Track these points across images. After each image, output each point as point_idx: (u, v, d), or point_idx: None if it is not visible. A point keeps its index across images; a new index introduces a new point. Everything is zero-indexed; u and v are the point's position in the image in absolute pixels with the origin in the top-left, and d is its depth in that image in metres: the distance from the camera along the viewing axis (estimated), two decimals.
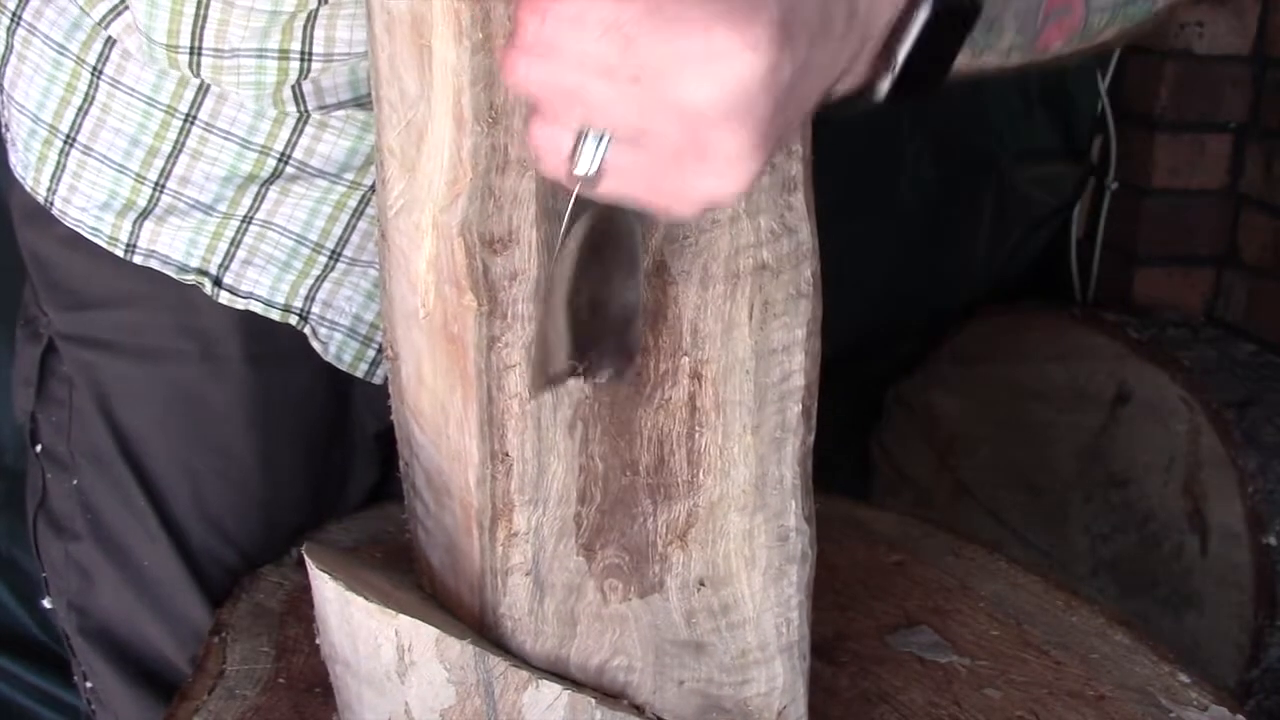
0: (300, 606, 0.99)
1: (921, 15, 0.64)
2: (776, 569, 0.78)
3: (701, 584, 0.77)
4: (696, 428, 0.74)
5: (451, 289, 0.71)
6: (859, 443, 2.32)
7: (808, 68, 0.56)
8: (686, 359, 0.73)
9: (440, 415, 0.76)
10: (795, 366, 0.75)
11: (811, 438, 0.77)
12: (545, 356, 0.69)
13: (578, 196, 0.62)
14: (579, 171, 0.57)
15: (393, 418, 0.84)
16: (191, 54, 0.95)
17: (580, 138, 0.56)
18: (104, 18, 0.99)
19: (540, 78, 0.54)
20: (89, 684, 1.13)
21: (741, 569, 0.77)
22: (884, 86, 0.65)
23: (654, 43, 0.52)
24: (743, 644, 0.78)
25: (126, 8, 0.97)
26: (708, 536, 0.76)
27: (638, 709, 0.78)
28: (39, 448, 1.12)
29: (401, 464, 0.84)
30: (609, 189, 0.58)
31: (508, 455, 0.73)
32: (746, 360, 0.73)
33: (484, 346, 0.71)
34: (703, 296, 0.73)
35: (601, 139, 0.56)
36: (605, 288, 0.68)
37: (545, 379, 0.70)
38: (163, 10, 0.93)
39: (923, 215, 2.11)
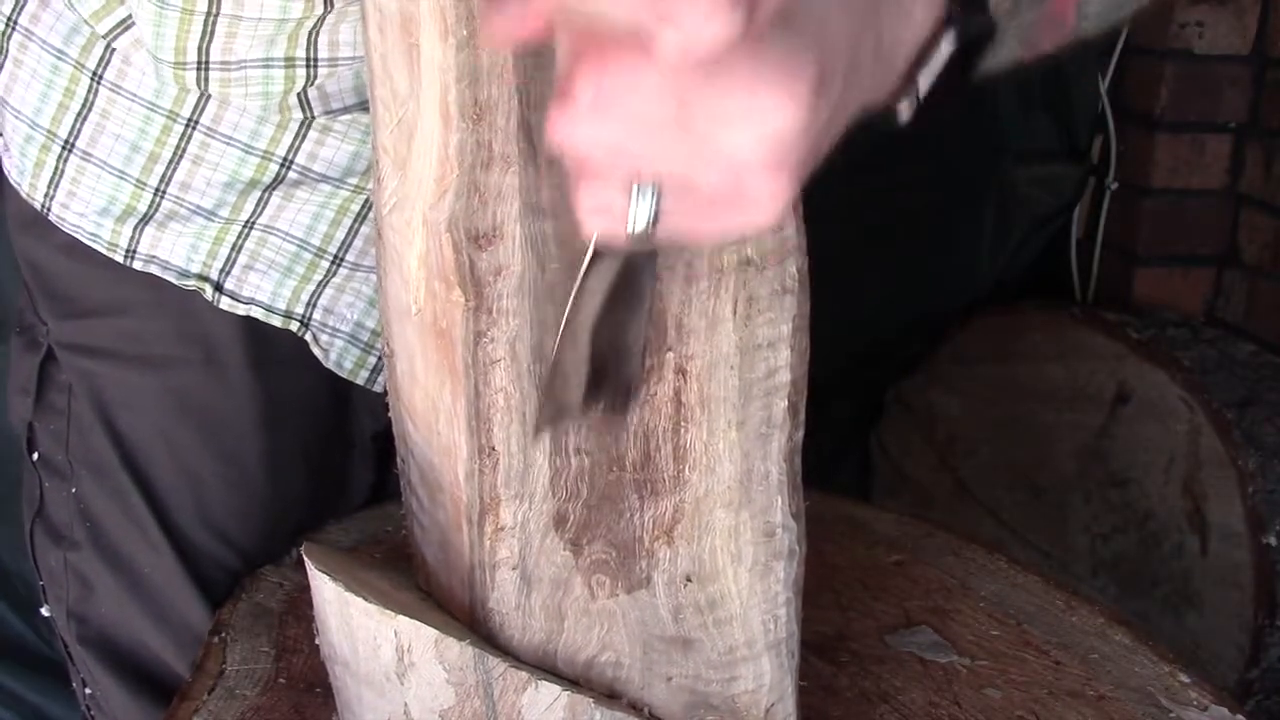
0: (300, 607, 0.99)
1: (945, 48, 0.67)
2: (763, 565, 0.77)
3: (688, 580, 0.77)
4: (682, 423, 0.74)
5: (440, 284, 0.72)
6: (859, 443, 2.32)
7: (841, 105, 0.60)
8: (671, 354, 0.73)
9: (432, 411, 0.76)
10: (781, 362, 0.75)
11: (800, 434, 0.77)
12: (559, 391, 0.70)
13: (596, 241, 0.63)
14: (635, 229, 0.58)
15: (390, 415, 0.84)
16: (199, 69, 0.95)
17: (632, 196, 0.58)
18: (110, 32, 0.99)
19: (593, 136, 0.56)
20: (88, 691, 1.13)
21: (728, 565, 0.77)
22: (905, 111, 0.68)
23: (704, 100, 0.54)
24: (730, 640, 0.78)
25: (134, 23, 0.97)
26: (694, 532, 0.76)
27: (635, 709, 0.78)
28: (36, 456, 1.12)
29: (399, 460, 0.85)
30: (659, 239, 0.60)
31: (494, 450, 0.73)
32: (731, 356, 0.73)
33: (470, 341, 0.71)
34: (687, 292, 0.73)
35: (651, 194, 0.58)
36: (616, 326, 0.69)
37: (555, 413, 0.71)
38: (169, 31, 0.93)
39: (923, 215, 2.11)
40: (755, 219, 0.59)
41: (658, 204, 0.58)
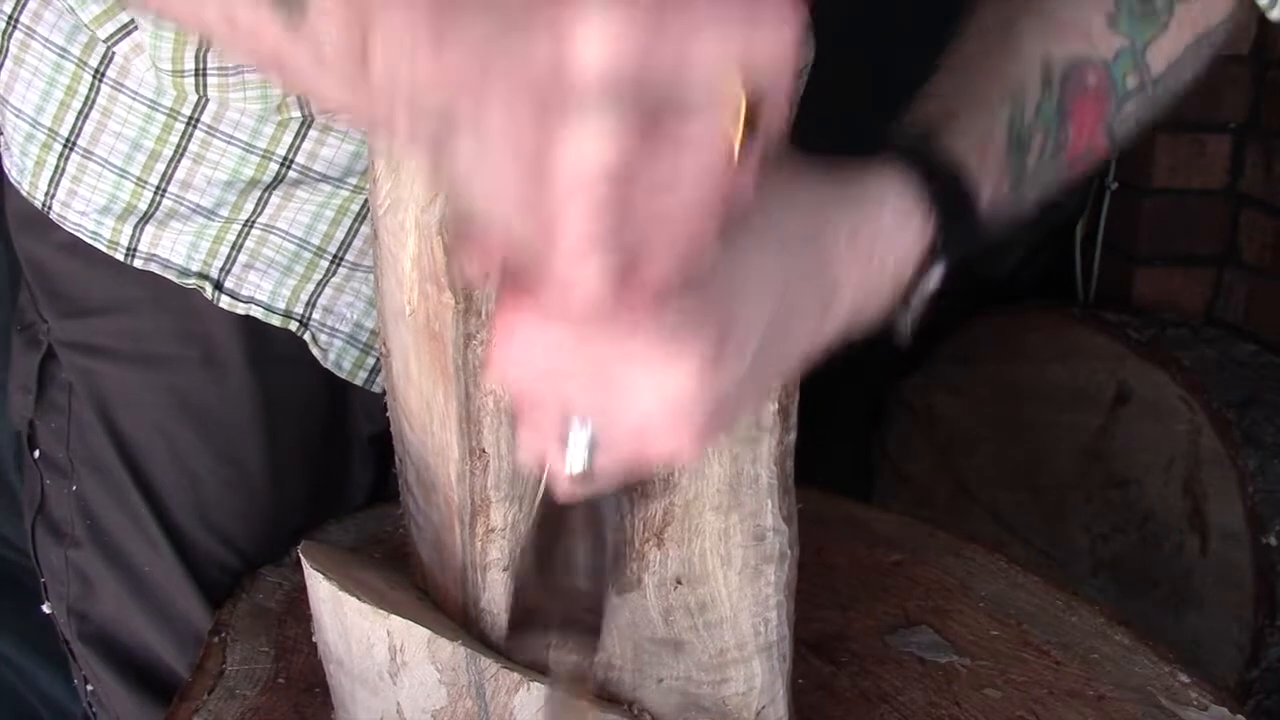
0: (299, 606, 0.99)
1: (934, 277, 0.71)
2: (753, 568, 0.78)
3: (678, 582, 0.77)
4: None
5: (432, 287, 0.72)
6: (859, 443, 2.32)
7: (766, 359, 0.63)
8: None
9: (426, 412, 0.76)
10: None
11: (790, 437, 0.77)
12: (518, 621, 0.72)
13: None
14: (573, 470, 0.62)
15: (388, 415, 0.84)
16: (197, 75, 0.96)
17: (566, 439, 0.61)
18: (111, 37, 0.99)
19: (517, 376, 0.60)
20: (89, 687, 1.13)
21: (717, 568, 0.77)
22: (904, 329, 0.73)
23: (611, 354, 0.58)
24: (720, 643, 0.78)
25: (135, 28, 0.97)
26: (684, 535, 0.76)
27: (630, 708, 0.78)
28: (37, 453, 1.12)
29: (396, 460, 0.85)
30: (600, 486, 0.63)
31: (484, 451, 0.73)
32: None
33: (461, 343, 0.72)
34: None
35: (585, 440, 0.61)
36: (573, 556, 0.71)
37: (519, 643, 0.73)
38: (167, 40, 0.94)
39: None
40: (675, 459, 0.63)
41: (593, 449, 0.61)
